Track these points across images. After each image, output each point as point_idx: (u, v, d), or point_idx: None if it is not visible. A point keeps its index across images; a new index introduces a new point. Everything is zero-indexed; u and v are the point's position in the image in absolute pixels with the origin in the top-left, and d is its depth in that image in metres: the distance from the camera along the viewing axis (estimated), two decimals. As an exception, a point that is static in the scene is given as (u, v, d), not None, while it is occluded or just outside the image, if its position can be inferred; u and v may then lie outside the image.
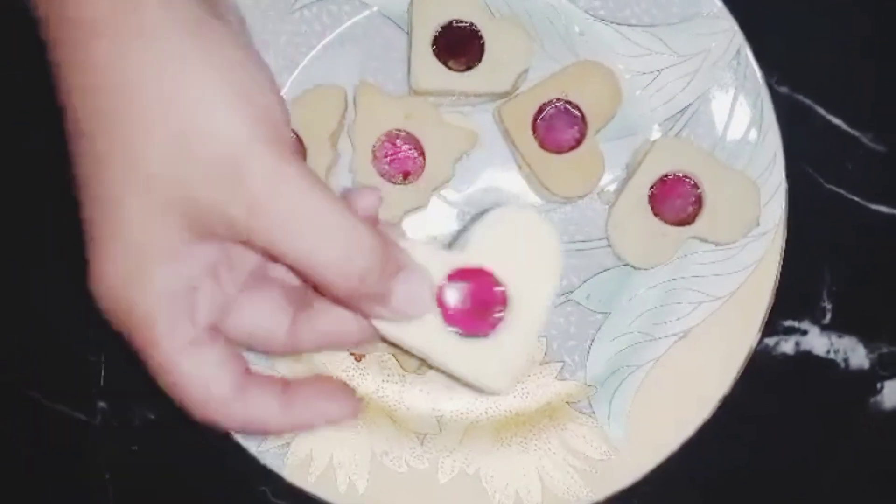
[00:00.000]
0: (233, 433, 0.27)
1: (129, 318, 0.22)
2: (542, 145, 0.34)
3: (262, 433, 0.24)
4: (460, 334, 0.25)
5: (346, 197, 0.25)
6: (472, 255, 0.25)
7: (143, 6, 0.21)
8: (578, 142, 0.34)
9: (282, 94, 0.25)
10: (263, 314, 0.24)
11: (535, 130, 0.34)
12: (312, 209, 0.21)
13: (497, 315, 0.25)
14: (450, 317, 0.25)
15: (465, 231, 0.26)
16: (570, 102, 0.34)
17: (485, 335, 0.25)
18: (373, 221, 0.25)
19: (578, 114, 0.34)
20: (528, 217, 0.26)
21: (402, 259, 0.23)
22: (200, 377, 0.22)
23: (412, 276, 0.23)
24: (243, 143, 0.20)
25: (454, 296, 0.25)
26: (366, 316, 0.24)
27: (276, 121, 0.21)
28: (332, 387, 0.25)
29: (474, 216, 0.34)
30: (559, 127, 0.34)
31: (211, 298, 0.23)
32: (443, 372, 0.26)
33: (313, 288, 0.24)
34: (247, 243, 0.22)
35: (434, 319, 0.24)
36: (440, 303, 0.24)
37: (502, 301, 0.25)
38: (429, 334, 0.25)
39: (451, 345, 0.25)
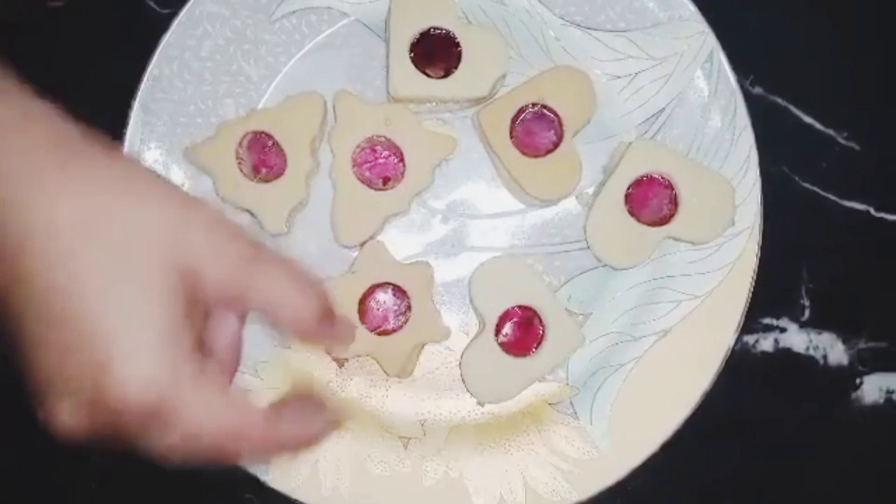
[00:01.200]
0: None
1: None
2: (520, 149, 0.35)
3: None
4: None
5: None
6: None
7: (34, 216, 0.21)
8: (556, 145, 0.35)
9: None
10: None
11: (512, 134, 0.35)
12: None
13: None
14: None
15: None
16: (546, 106, 0.35)
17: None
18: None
19: (555, 117, 0.35)
20: None
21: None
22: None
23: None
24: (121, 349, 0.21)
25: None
26: None
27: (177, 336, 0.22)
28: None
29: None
30: (536, 131, 0.35)
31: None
32: None
33: None
34: None
35: None
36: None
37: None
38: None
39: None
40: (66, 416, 0.23)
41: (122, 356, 0.21)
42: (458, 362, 0.35)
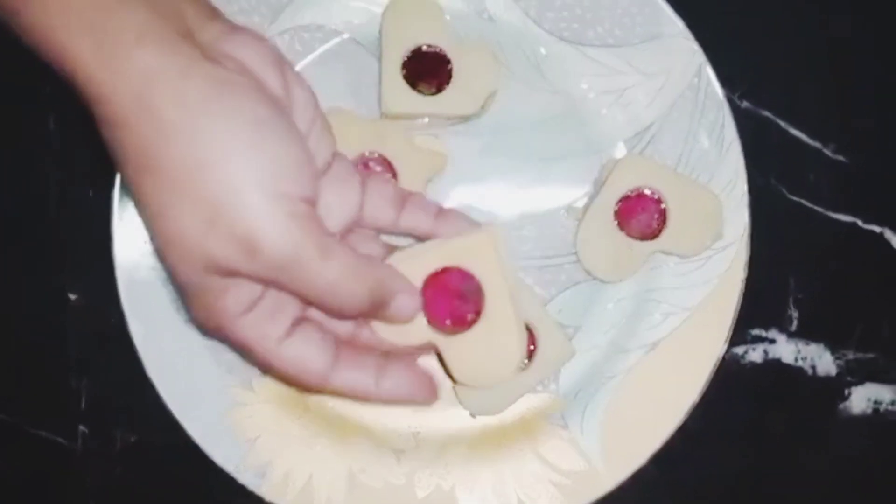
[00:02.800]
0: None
1: (227, 337, 0.26)
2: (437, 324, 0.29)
3: (360, 400, 0.28)
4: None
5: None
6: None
7: (162, 81, 0.23)
8: (477, 314, 0.29)
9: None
10: (309, 345, 0.27)
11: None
12: (324, 269, 0.25)
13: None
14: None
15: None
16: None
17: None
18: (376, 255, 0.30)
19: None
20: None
21: (395, 284, 0.28)
22: (298, 360, 0.26)
23: (401, 297, 0.28)
24: (260, 223, 0.23)
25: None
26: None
27: (297, 184, 0.24)
28: (419, 375, 0.29)
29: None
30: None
31: (288, 299, 0.26)
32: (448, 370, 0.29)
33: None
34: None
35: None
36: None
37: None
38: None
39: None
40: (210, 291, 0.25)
41: (258, 221, 0.23)
42: (450, 375, 0.35)
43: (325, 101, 0.36)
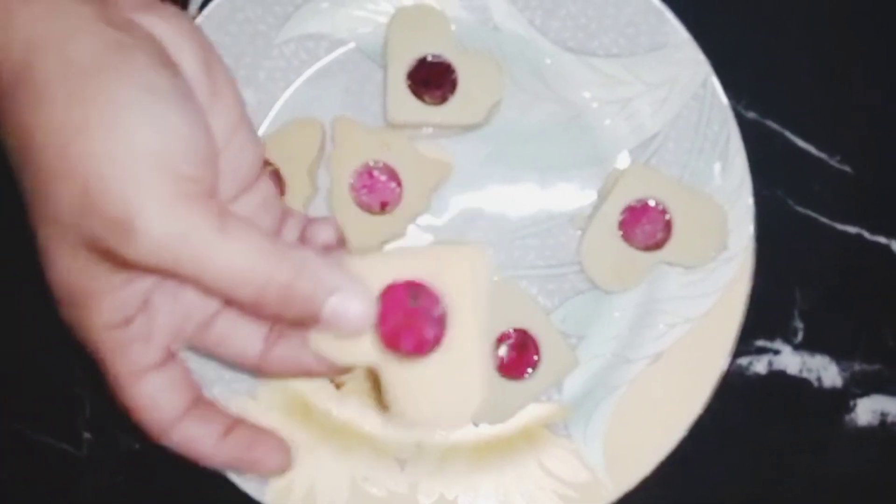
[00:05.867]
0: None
1: (86, 343, 0.23)
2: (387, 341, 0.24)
3: (195, 460, 0.25)
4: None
5: (305, 228, 0.26)
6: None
7: (48, 43, 0.20)
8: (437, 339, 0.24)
9: (256, 129, 0.25)
10: (237, 331, 0.25)
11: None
12: (222, 248, 0.21)
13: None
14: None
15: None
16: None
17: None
18: (329, 248, 0.26)
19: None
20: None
21: (330, 279, 0.22)
22: (148, 401, 0.24)
23: (344, 298, 0.22)
24: (138, 197, 0.20)
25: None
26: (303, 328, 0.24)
27: (190, 164, 0.21)
28: (268, 439, 0.25)
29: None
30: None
31: (169, 317, 0.24)
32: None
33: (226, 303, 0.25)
34: (156, 274, 0.22)
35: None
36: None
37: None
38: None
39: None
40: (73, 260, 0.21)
41: (136, 195, 0.20)
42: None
43: (331, 110, 0.37)
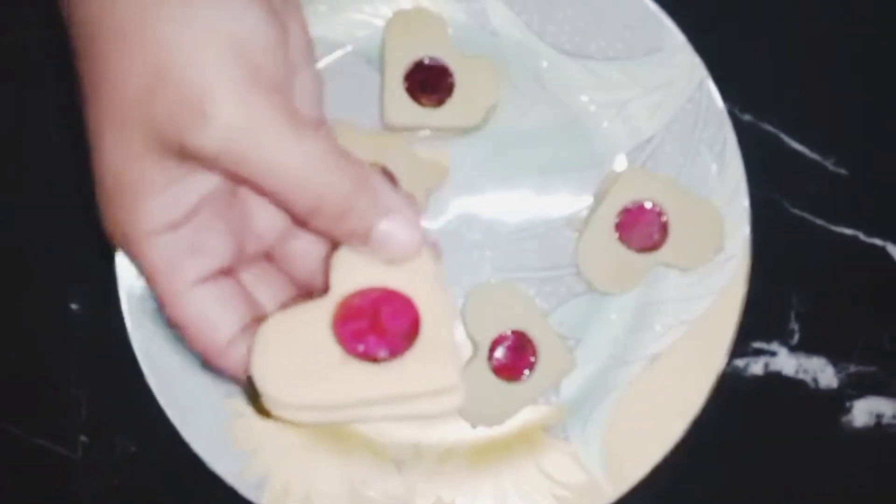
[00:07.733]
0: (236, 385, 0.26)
1: (132, 253, 0.22)
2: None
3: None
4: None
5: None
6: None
7: None
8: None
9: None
10: (219, 305, 0.23)
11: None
12: (293, 151, 0.20)
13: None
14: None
15: None
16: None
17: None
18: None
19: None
20: None
21: (391, 203, 0.22)
22: (198, 317, 0.22)
23: (394, 222, 0.22)
24: (215, 81, 0.20)
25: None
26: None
27: (265, 56, 0.21)
28: None
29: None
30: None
31: (223, 236, 0.22)
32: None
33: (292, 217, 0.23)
34: (216, 169, 0.21)
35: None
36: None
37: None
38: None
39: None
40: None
41: (214, 79, 0.20)
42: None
43: (327, 113, 0.36)
